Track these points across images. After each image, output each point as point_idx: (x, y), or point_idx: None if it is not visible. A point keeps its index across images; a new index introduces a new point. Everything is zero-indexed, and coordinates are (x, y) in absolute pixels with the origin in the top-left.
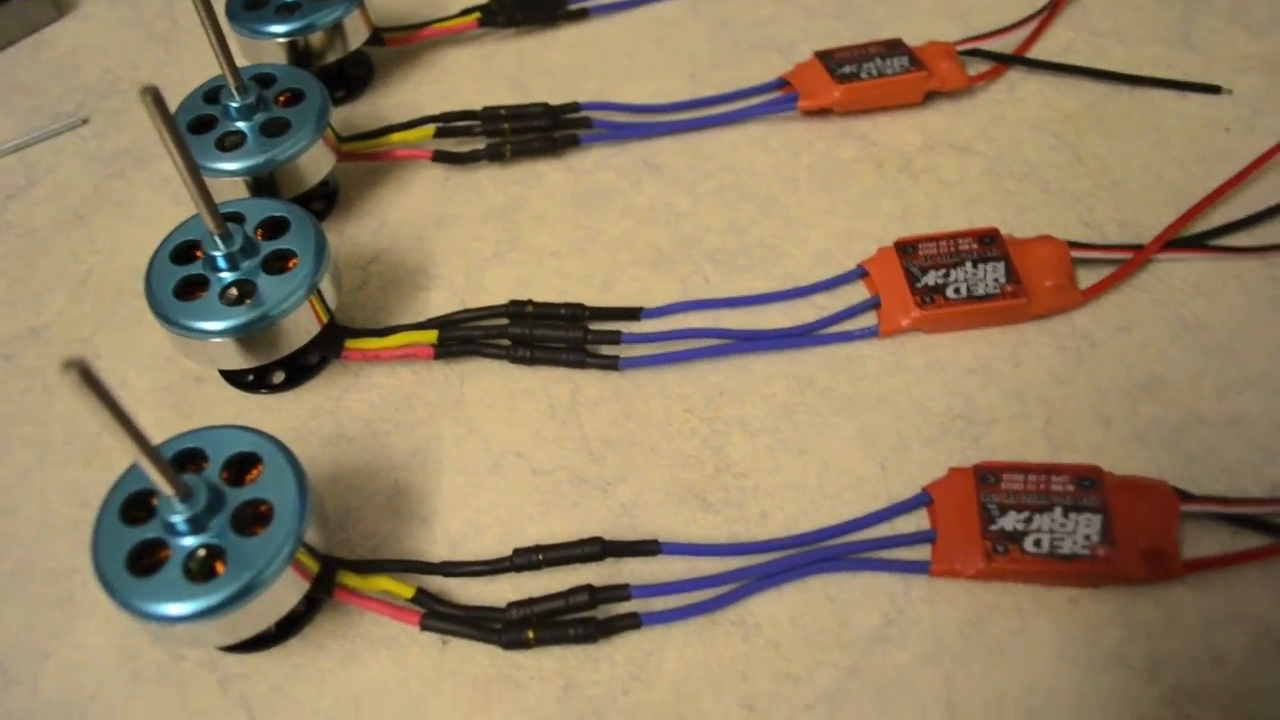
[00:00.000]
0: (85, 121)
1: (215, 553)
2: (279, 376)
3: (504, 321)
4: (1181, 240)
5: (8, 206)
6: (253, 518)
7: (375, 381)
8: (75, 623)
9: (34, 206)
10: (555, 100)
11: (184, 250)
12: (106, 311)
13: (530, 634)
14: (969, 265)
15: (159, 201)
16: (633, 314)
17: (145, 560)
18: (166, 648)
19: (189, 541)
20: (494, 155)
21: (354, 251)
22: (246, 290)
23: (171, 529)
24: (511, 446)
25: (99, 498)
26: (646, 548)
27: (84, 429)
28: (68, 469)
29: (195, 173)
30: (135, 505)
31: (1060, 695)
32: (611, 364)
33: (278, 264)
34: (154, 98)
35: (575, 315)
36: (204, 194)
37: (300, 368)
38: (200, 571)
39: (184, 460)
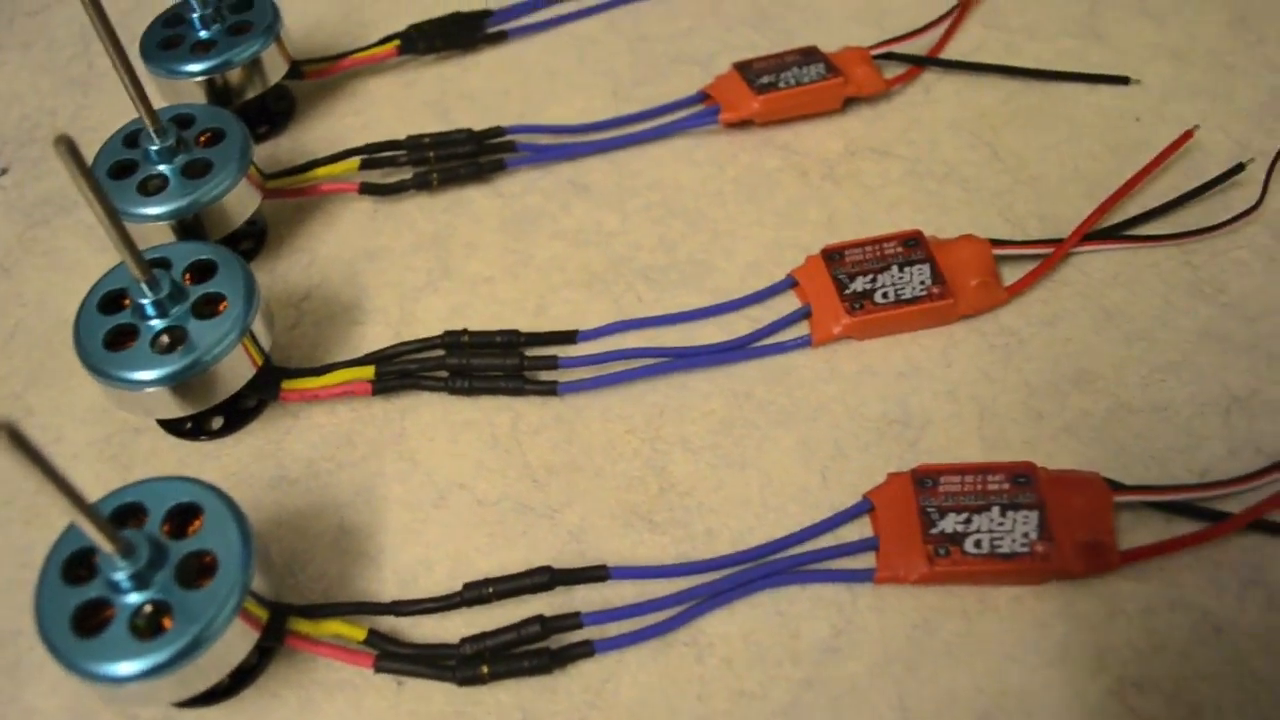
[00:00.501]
0: (4, 171)
1: (161, 608)
2: (217, 422)
3: (440, 353)
4: (1099, 232)
5: None
6: (198, 570)
7: (315, 421)
8: (24, 688)
9: None
10: (479, 125)
11: (112, 299)
12: (37, 365)
13: (485, 669)
14: (895, 269)
15: (85, 249)
16: (569, 337)
17: (90, 620)
18: (120, 708)
19: (134, 598)
20: (421, 184)
21: (285, 289)
22: (178, 337)
23: (115, 586)
24: (455, 479)
25: (39, 558)
26: (595, 574)
27: (20, 488)
28: (6, 529)
29: (117, 220)
30: (77, 564)
31: (1009, 694)
32: (550, 389)
33: (208, 308)
34: (68, 147)
35: (511, 342)
36: (127, 241)
37: (238, 411)
38: (147, 628)
39: (124, 515)
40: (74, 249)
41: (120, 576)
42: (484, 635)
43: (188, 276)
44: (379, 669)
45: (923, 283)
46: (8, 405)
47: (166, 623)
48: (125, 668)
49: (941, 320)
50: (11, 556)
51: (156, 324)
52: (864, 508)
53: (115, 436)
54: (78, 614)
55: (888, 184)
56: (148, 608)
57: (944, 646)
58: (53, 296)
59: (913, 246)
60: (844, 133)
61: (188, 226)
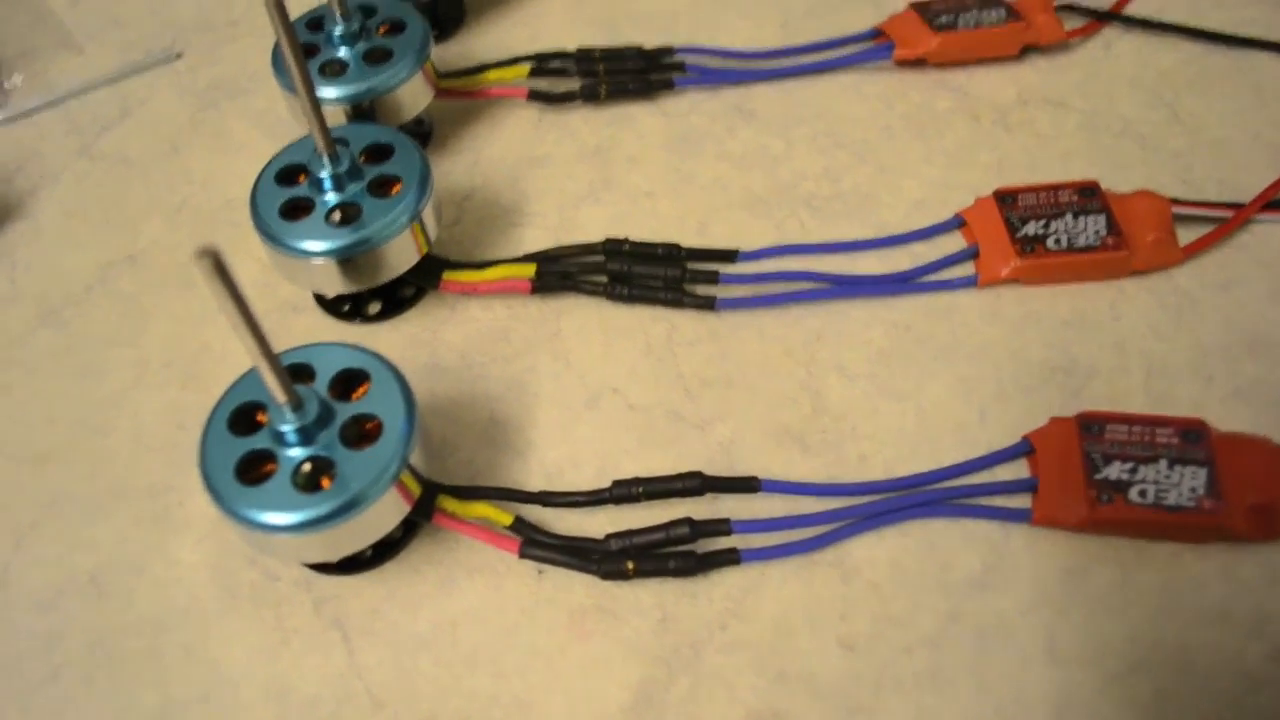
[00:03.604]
0: (179, 56)
1: (322, 466)
2: (375, 307)
3: (601, 258)
4: None
5: (104, 137)
6: (360, 435)
7: (471, 315)
8: (170, 540)
9: (129, 138)
10: (647, 45)
11: (289, 173)
12: (201, 240)
13: (629, 565)
14: (1069, 217)
15: (253, 134)
16: (729, 256)
17: (253, 470)
18: (268, 560)
19: (297, 453)
20: (588, 96)
21: (448, 188)
22: (351, 214)
23: (281, 439)
24: (608, 382)
25: (195, 420)
26: (747, 484)
27: (181, 353)
28: (164, 391)
29: (311, 88)
30: (243, 418)
31: (1163, 647)
32: (708, 304)
33: (382, 189)
34: (276, 4)
35: (671, 255)
36: (317, 111)
37: (396, 299)
38: (307, 484)
39: (294, 373)
40: (242, 132)
41: (288, 429)
42: (631, 533)
43: (364, 157)
44: (524, 555)
45: (1097, 233)
46: (173, 274)
47: (325, 482)
48: (282, 518)
49: (1113, 273)
50: (169, 417)
51: (332, 198)
52: (1023, 449)
53: (274, 313)
54: (242, 462)
55: (1061, 135)
56: (309, 464)
57: (1098, 594)
58: (219, 177)
59: (1089, 196)
60: (1018, 80)
61: (361, 113)
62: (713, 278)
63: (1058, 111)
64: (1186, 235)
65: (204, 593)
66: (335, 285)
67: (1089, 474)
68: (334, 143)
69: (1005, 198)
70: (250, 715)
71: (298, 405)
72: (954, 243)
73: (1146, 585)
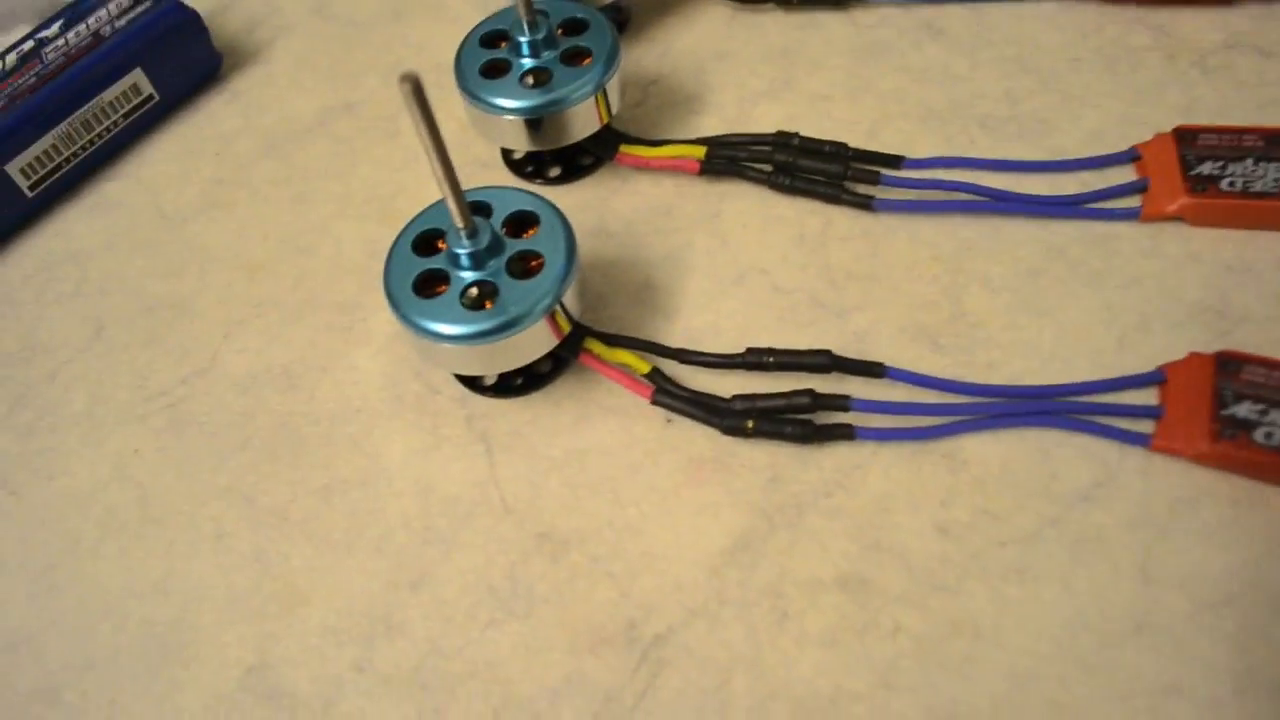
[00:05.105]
0: None
1: (487, 289)
2: (555, 171)
3: (768, 149)
4: None
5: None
6: (524, 269)
7: (640, 188)
8: (352, 348)
9: (359, 1)
10: None
11: (492, 38)
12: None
13: (749, 424)
14: (1250, 161)
15: (465, 8)
16: (894, 161)
17: (428, 287)
18: (433, 367)
19: (468, 275)
20: (781, 0)
21: (636, 72)
22: (543, 78)
23: (455, 261)
24: (758, 264)
25: (385, 252)
26: (872, 369)
27: (380, 192)
28: (363, 223)
29: None
30: (423, 244)
31: (1262, 588)
32: (866, 204)
33: (573, 59)
34: None
35: (838, 153)
36: None
37: (575, 167)
38: (472, 304)
39: (473, 209)
40: (456, 6)
41: (462, 253)
42: (756, 396)
43: (561, 30)
44: (655, 401)
45: (1276, 180)
46: (382, 124)
47: (488, 305)
48: (449, 329)
49: None
50: (364, 245)
51: (527, 63)
52: (1157, 378)
53: (465, 167)
54: (419, 279)
55: (1263, 84)
56: (476, 287)
57: (1204, 526)
58: (433, 42)
59: (1276, 143)
60: (1228, 26)
61: None
62: (874, 179)
63: (1264, 60)
64: None
65: (375, 396)
66: (522, 142)
67: (1216, 409)
68: (535, 13)
69: (1185, 134)
70: (400, 502)
71: (473, 232)
72: (1123, 176)
73: (1256, 526)
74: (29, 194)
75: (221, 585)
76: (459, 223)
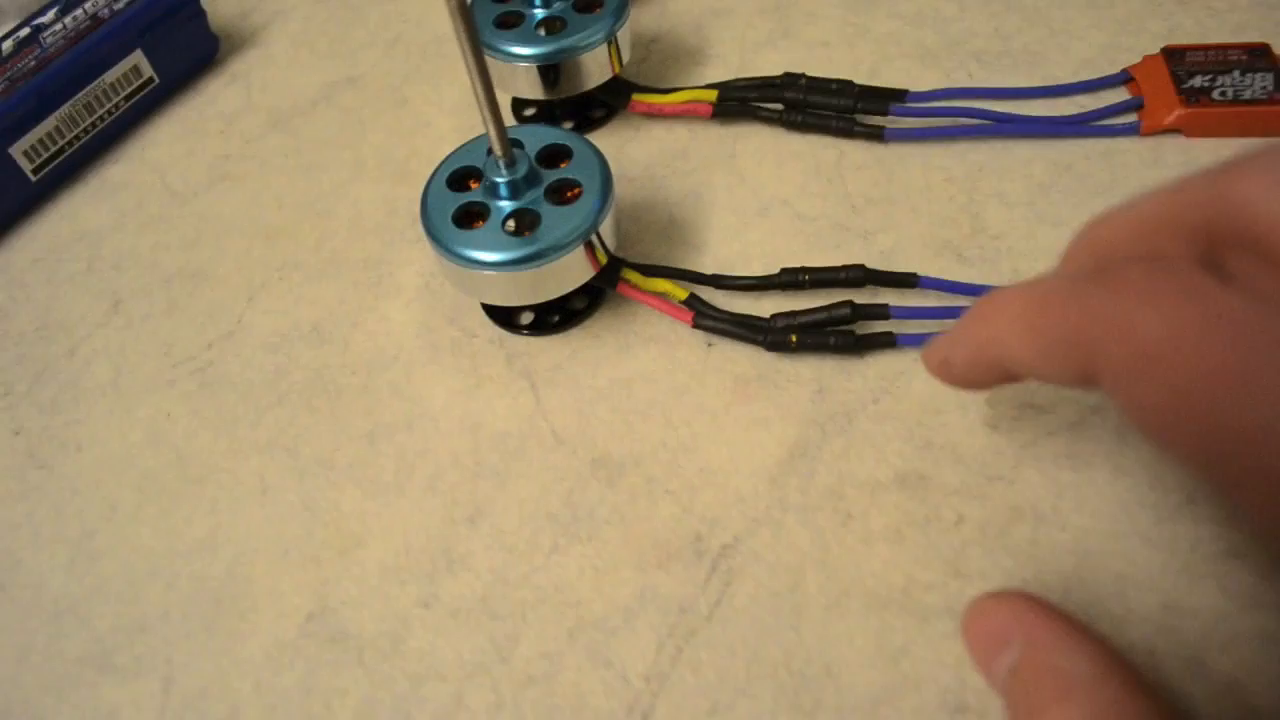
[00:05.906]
0: None
1: (525, 218)
2: (567, 124)
3: (778, 89)
4: None
5: None
6: (561, 198)
7: (654, 135)
8: (382, 301)
9: None
10: None
11: None
12: (413, 68)
13: (792, 337)
14: (1236, 73)
15: None
16: (899, 95)
17: (466, 220)
18: (466, 319)
19: (506, 205)
20: None
21: (637, 31)
22: (555, 27)
23: (494, 191)
24: (779, 196)
25: (406, 208)
26: (905, 279)
27: (393, 156)
28: (379, 185)
29: None
30: (457, 181)
31: None
32: (878, 134)
33: (585, 10)
34: None
35: (844, 90)
36: None
37: (588, 119)
38: (513, 232)
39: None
40: None
41: (501, 181)
42: (796, 313)
43: None
44: (697, 325)
45: (1264, 88)
46: (388, 94)
47: (527, 234)
48: (493, 256)
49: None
50: (382, 205)
51: (540, 13)
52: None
53: (476, 128)
54: (458, 213)
55: (1235, 9)
56: (515, 217)
57: None
58: (430, 16)
59: (1258, 56)
60: None
61: None
62: (883, 109)
63: None
64: None
65: (410, 344)
66: (534, 89)
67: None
68: None
69: (1173, 53)
70: (448, 442)
71: (511, 161)
72: (1118, 97)
73: None
74: (33, 178)
75: (272, 536)
76: (498, 150)
